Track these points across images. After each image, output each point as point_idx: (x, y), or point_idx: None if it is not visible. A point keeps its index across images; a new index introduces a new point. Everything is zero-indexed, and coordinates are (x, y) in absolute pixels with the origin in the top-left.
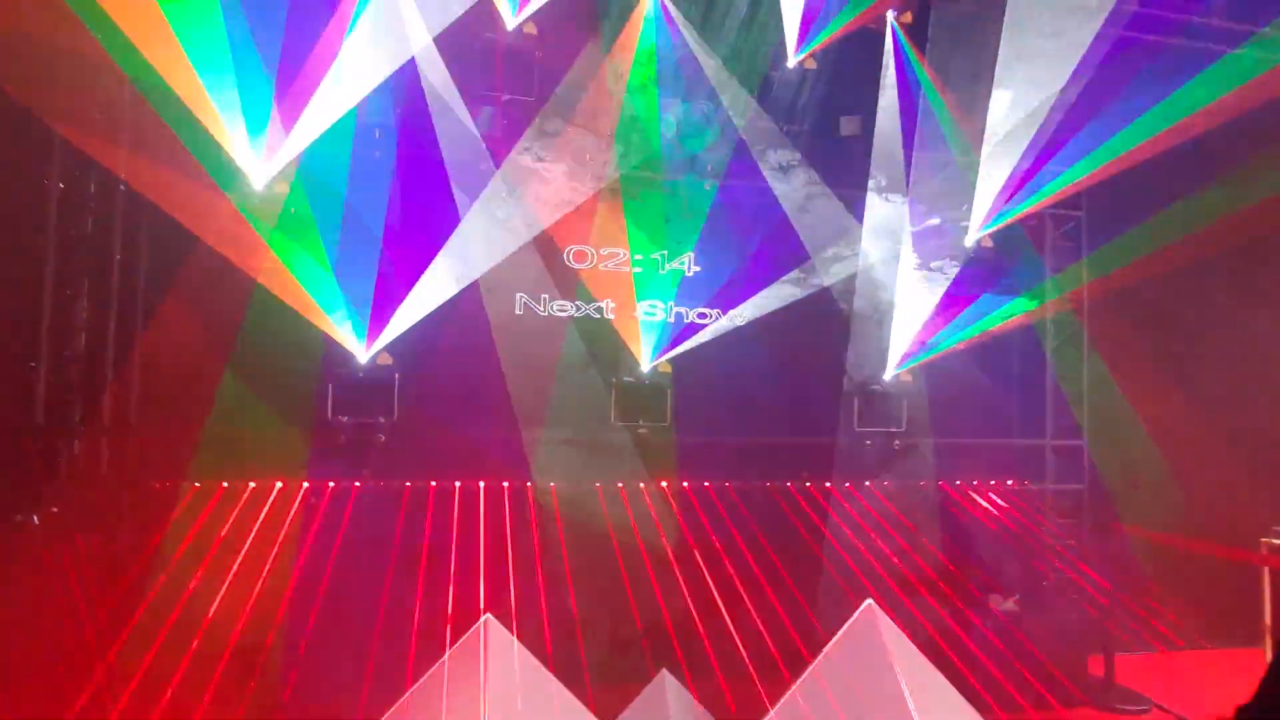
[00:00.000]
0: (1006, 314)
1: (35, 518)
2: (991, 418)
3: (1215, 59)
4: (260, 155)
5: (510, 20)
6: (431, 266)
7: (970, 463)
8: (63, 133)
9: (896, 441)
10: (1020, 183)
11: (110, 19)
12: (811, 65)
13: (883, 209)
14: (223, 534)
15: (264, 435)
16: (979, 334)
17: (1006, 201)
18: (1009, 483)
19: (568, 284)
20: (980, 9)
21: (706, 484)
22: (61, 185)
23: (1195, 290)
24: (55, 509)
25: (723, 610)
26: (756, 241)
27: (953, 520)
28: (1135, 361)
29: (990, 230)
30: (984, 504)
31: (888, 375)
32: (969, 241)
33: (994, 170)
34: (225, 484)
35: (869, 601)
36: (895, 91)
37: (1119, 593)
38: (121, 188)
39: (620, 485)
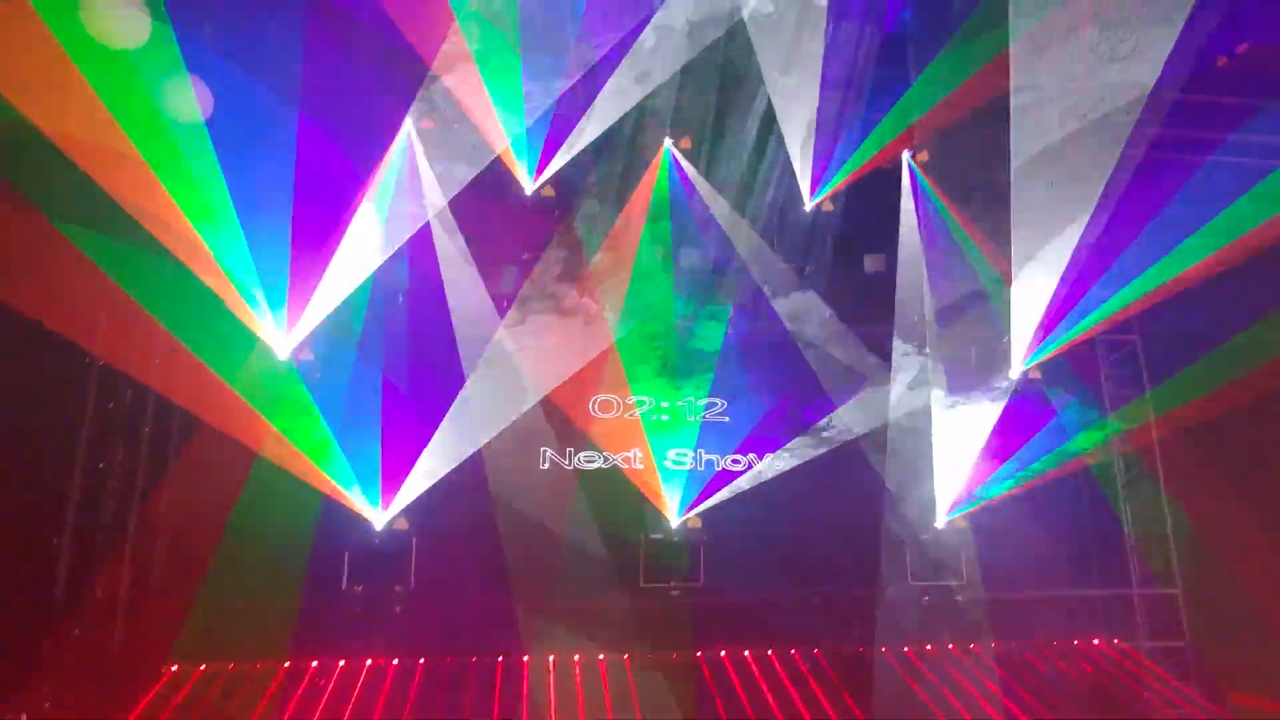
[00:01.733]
0: (1065, 452)
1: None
2: (1058, 565)
3: (1261, 175)
4: (281, 328)
5: (529, 184)
6: (442, 429)
7: (1044, 618)
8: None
9: (959, 596)
10: (1062, 309)
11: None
12: (829, 207)
13: (909, 346)
14: None
15: (266, 610)
16: (1038, 474)
17: (1050, 329)
18: (1095, 641)
19: (594, 434)
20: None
21: (747, 652)
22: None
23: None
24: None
25: None
26: (779, 385)
27: (1047, 692)
28: (1215, 501)
29: (1037, 361)
30: (1078, 670)
31: (939, 523)
32: (1014, 374)
33: (1030, 297)
34: (232, 665)
35: None
36: (915, 227)
37: None
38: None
39: (653, 656)
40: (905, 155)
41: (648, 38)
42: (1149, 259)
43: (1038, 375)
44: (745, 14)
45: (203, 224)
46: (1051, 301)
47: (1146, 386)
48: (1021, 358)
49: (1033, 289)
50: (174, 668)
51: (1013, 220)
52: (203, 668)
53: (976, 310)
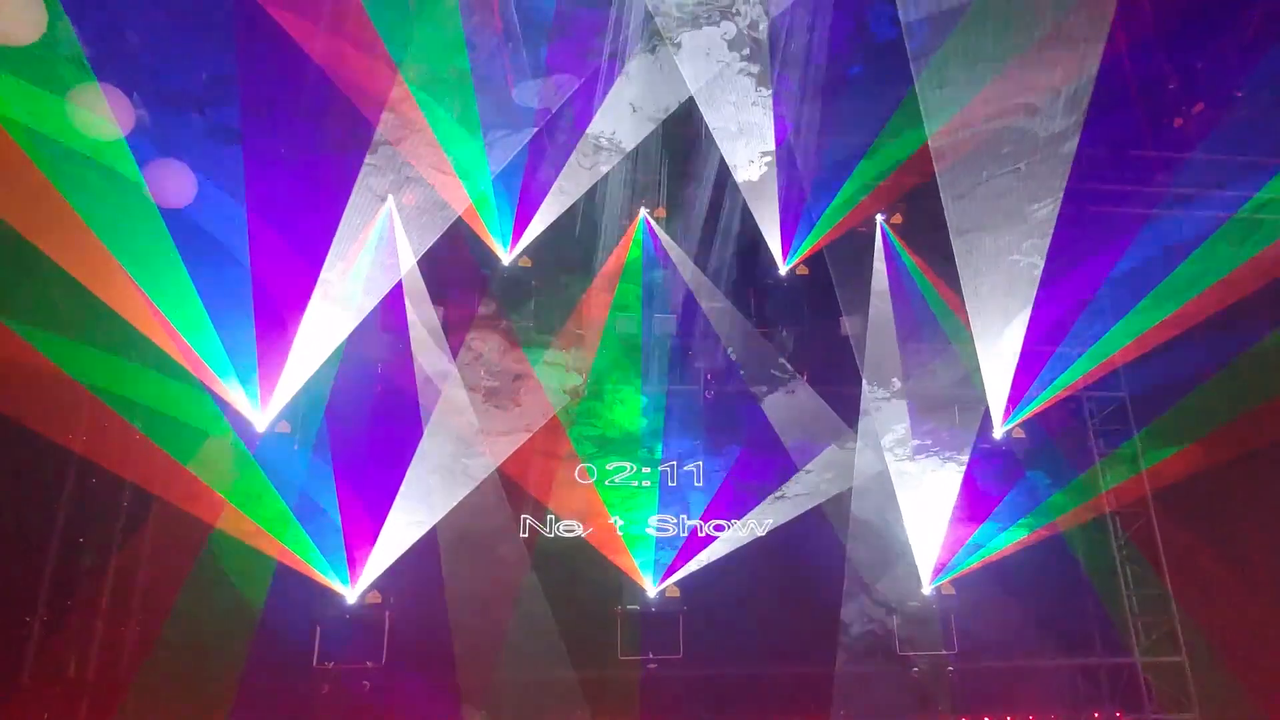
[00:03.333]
0: (1051, 511)
1: None
2: (1051, 632)
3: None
4: (256, 403)
5: (505, 256)
6: (402, 497)
7: (1041, 690)
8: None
9: (950, 667)
10: (1033, 369)
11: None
12: (804, 271)
13: (879, 406)
14: None
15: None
16: (1024, 536)
17: (1024, 389)
18: (1095, 716)
19: (575, 501)
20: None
21: None
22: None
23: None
24: None
25: None
26: (755, 449)
27: None
28: (1214, 564)
29: (1018, 420)
30: None
31: (926, 590)
32: (998, 434)
33: (999, 357)
34: None
35: None
36: (887, 289)
37: None
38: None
39: None
40: (879, 217)
41: (610, 105)
42: (1114, 314)
43: (1021, 435)
44: (692, 89)
45: (168, 308)
46: (1021, 361)
47: (1137, 443)
48: (1001, 418)
49: (999, 349)
50: None
51: (963, 282)
52: None
53: (949, 371)
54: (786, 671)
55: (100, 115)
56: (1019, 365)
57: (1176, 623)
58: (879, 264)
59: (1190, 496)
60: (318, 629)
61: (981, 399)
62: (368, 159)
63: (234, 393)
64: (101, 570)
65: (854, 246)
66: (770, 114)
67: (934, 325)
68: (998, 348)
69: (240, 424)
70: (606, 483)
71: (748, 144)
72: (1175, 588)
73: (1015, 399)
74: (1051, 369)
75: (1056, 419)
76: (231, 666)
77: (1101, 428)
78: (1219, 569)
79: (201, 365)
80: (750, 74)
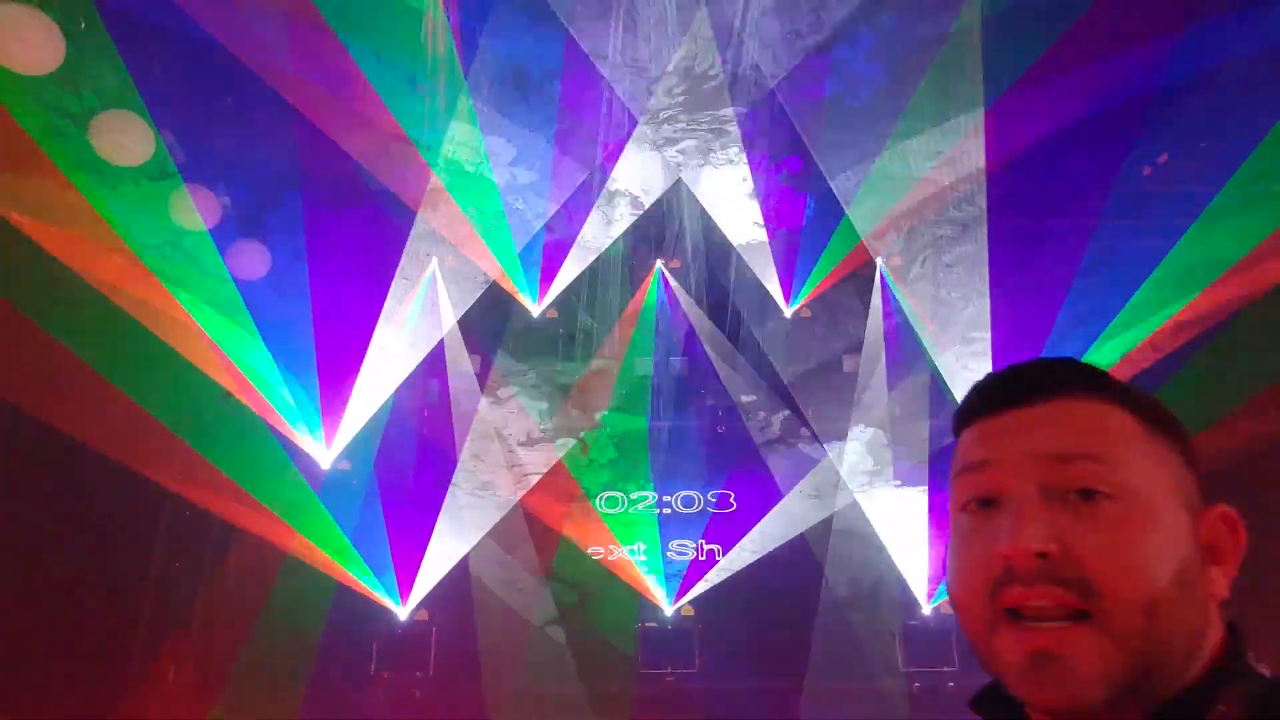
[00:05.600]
0: None
1: None
2: None
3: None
4: (321, 444)
5: (534, 309)
6: (440, 525)
7: None
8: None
9: (950, 683)
10: None
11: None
12: (807, 314)
13: (864, 436)
14: None
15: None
16: None
17: None
18: None
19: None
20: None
21: None
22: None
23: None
24: None
25: None
26: (751, 480)
27: None
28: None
29: None
30: None
31: (926, 609)
32: None
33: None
34: None
35: None
36: (880, 328)
37: None
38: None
39: None
40: (879, 260)
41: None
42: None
43: None
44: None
45: (245, 367)
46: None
47: None
48: None
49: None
50: None
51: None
52: None
53: (934, 406)
54: (792, 686)
55: (190, 213)
56: None
57: None
58: (875, 305)
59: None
60: (374, 642)
61: None
62: (412, 233)
63: (302, 437)
64: (194, 590)
65: (855, 288)
66: (749, 180)
67: (922, 365)
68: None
69: (307, 463)
70: (621, 511)
71: (733, 208)
72: None
73: None
74: None
75: None
76: (302, 673)
77: None
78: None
79: (275, 414)
80: (730, 160)
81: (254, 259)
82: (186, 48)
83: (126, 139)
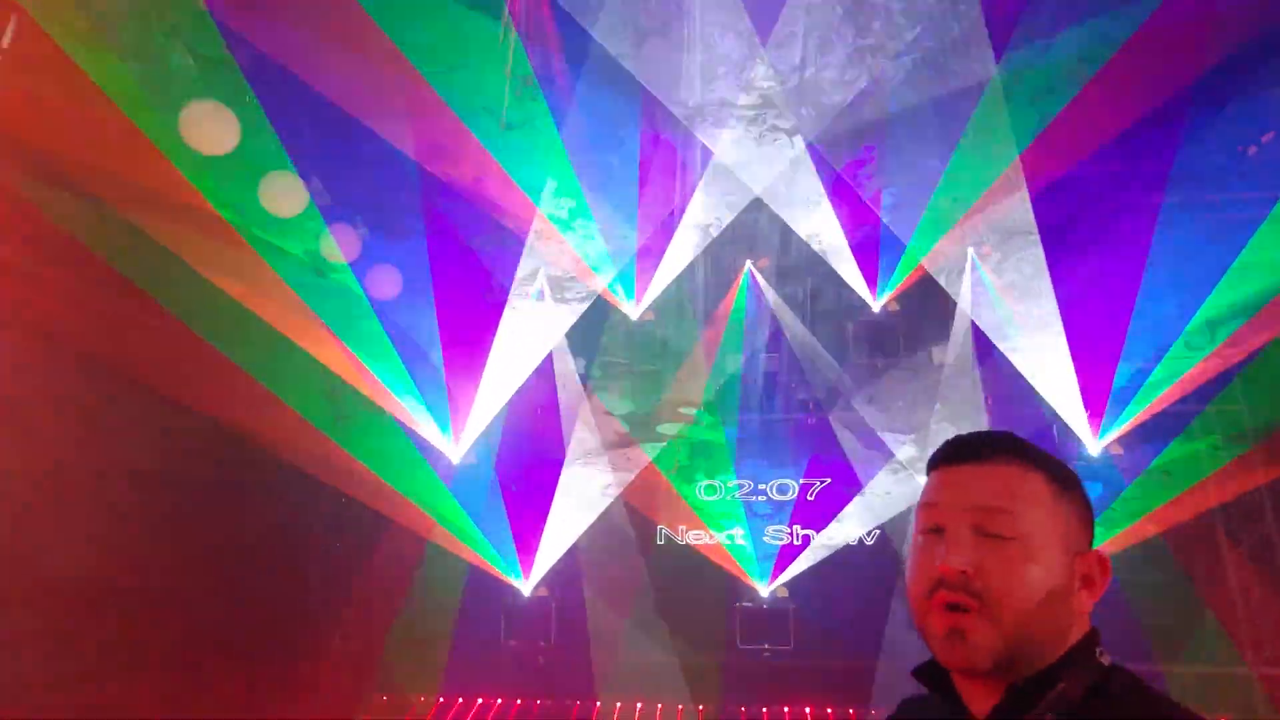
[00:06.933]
0: (1146, 518)
1: None
2: (1154, 637)
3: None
4: (451, 441)
5: (633, 312)
6: (554, 512)
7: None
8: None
9: None
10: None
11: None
12: (895, 308)
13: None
14: None
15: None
16: (1119, 538)
17: (1104, 404)
18: None
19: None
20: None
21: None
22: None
23: None
24: None
25: None
26: (841, 469)
27: None
28: None
29: (1114, 435)
30: None
31: None
32: (1095, 450)
33: (1062, 377)
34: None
35: None
36: (969, 321)
37: None
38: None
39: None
40: (970, 251)
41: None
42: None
43: (1119, 451)
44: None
45: (384, 377)
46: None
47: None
48: (1094, 430)
49: (1094, 366)
50: (384, 698)
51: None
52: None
53: (1026, 400)
54: (880, 664)
55: (333, 249)
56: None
57: None
58: (965, 296)
59: None
60: (502, 615)
61: (1057, 422)
62: (522, 256)
63: (436, 436)
64: (354, 571)
65: (946, 279)
66: (818, 180)
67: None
68: (1093, 365)
69: (440, 460)
70: (718, 499)
71: (806, 212)
72: None
73: (1100, 415)
74: (1133, 385)
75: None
76: (443, 641)
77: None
78: None
79: (410, 417)
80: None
81: (388, 280)
82: (320, 110)
83: (285, 198)
